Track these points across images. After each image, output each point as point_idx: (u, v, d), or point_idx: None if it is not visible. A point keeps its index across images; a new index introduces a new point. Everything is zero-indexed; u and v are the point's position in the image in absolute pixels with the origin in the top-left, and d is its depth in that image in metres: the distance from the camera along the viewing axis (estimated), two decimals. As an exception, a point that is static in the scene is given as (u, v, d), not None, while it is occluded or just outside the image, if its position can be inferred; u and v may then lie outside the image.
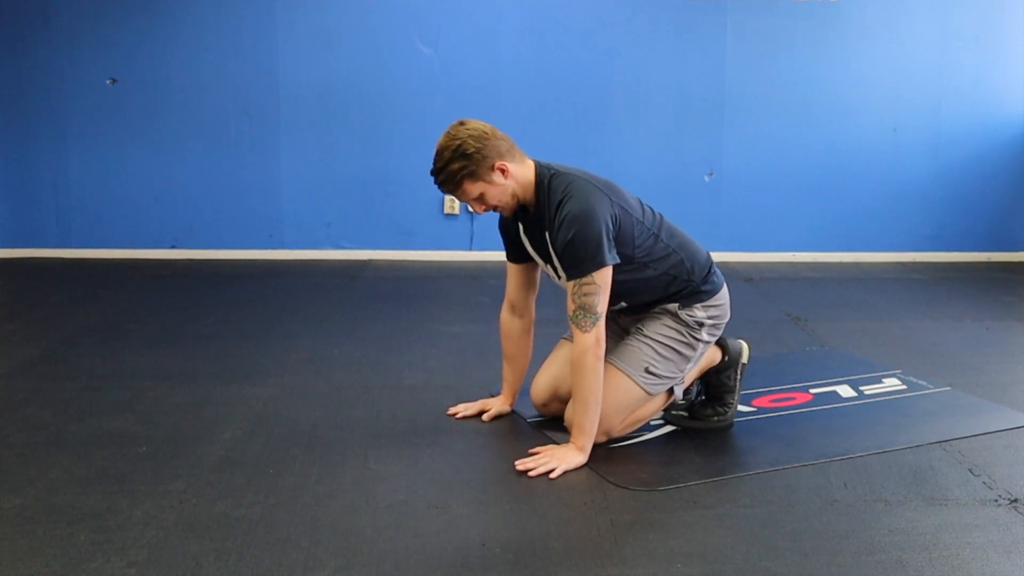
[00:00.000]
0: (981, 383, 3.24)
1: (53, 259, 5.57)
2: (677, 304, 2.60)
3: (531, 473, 2.41)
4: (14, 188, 5.62)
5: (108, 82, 5.52)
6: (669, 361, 2.60)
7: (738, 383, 2.79)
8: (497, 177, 2.44)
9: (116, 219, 5.65)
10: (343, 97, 5.57)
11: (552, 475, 2.40)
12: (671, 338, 2.60)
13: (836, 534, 2.12)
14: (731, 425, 2.78)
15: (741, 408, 2.91)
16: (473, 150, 2.40)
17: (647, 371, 2.57)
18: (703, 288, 2.62)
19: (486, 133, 2.43)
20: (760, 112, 5.71)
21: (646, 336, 2.61)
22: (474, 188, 2.45)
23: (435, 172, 2.45)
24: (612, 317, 2.69)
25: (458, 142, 2.40)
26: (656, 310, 2.63)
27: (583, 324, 2.40)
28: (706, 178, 5.74)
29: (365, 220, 5.70)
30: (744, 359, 2.81)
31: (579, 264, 2.40)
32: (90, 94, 5.53)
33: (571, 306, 2.42)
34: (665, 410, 2.79)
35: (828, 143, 5.76)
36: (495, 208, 2.53)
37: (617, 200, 2.49)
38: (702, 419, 2.77)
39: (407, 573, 1.93)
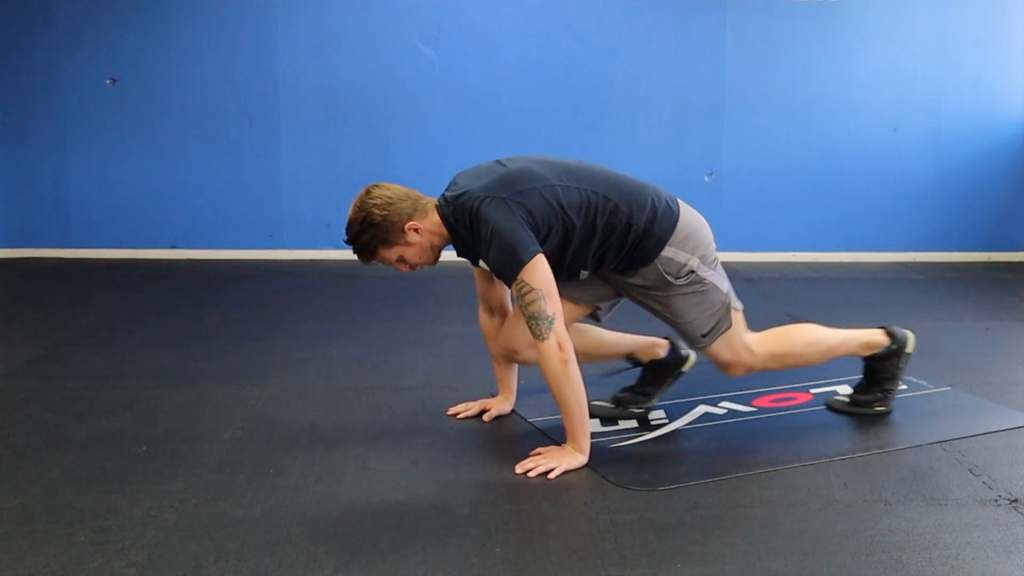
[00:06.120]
0: (981, 383, 3.24)
1: (53, 259, 5.57)
2: (650, 267, 2.55)
3: (531, 473, 2.41)
4: (14, 188, 5.62)
5: (108, 82, 5.53)
6: (703, 311, 2.61)
7: (900, 371, 2.88)
8: (412, 237, 2.52)
9: (116, 219, 5.65)
10: (343, 97, 5.57)
11: (551, 475, 2.40)
12: (685, 297, 2.59)
13: (836, 534, 2.12)
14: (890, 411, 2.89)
15: (741, 408, 2.92)
16: (380, 218, 2.48)
17: (702, 336, 2.62)
18: (657, 230, 2.53)
19: (390, 199, 2.49)
20: (760, 112, 5.71)
21: (672, 315, 2.62)
22: (391, 253, 2.54)
23: (349, 243, 2.55)
24: (610, 281, 2.67)
25: (364, 213, 2.49)
26: (643, 284, 2.59)
27: (538, 332, 2.39)
28: (706, 178, 5.74)
29: (365, 220, 5.69)
30: (908, 348, 2.87)
31: (504, 272, 2.41)
32: (90, 94, 5.53)
33: (523, 318, 2.44)
34: (827, 402, 2.96)
35: (828, 143, 5.76)
36: (420, 265, 2.60)
37: (515, 192, 2.42)
38: (862, 406, 2.88)
39: (407, 573, 1.93)
